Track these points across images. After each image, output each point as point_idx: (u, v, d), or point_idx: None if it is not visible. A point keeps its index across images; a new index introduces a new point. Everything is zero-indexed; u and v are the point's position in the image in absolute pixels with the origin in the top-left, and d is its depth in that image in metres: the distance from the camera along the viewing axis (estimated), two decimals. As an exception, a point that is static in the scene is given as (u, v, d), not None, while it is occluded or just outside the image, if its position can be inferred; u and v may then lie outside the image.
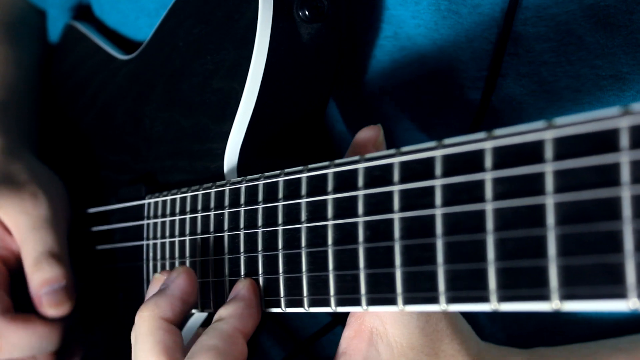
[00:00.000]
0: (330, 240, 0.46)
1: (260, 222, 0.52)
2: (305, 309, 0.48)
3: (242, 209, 0.54)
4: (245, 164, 0.59)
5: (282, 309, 0.50)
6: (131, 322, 0.54)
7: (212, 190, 0.57)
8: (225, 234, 0.55)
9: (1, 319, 0.69)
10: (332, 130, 0.71)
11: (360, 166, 0.44)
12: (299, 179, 0.49)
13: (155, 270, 0.65)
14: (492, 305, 0.36)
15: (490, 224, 0.36)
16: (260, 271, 0.52)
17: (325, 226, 0.46)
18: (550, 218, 0.34)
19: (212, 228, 0.57)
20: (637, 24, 0.55)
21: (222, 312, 0.52)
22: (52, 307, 0.71)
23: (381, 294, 0.42)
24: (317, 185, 0.48)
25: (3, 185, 0.74)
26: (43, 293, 0.71)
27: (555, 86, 0.59)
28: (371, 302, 0.43)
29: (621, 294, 0.31)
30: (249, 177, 0.54)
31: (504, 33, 0.58)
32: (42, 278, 0.71)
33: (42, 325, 0.71)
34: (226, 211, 0.55)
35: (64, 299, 0.72)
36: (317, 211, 0.47)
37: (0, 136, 0.80)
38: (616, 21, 0.56)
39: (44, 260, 0.72)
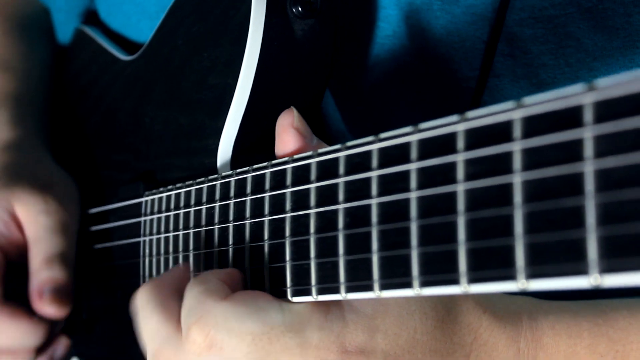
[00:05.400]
0: (312, 229, 0.46)
1: (248, 214, 0.52)
2: (289, 299, 0.48)
3: (231, 202, 0.54)
4: (239, 160, 0.59)
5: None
6: (129, 320, 0.54)
7: (205, 185, 0.58)
8: (216, 227, 0.56)
9: None
10: (330, 129, 0.71)
11: (341, 154, 0.44)
12: (285, 169, 0.49)
13: (151, 266, 0.65)
14: (462, 287, 0.36)
15: (461, 205, 0.36)
16: (247, 264, 0.52)
17: (308, 215, 0.46)
18: (518, 196, 0.33)
19: (203, 222, 0.57)
20: (635, 26, 0.55)
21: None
22: (53, 303, 0.71)
23: (359, 281, 0.42)
24: (302, 175, 0.48)
25: (28, 181, 0.75)
26: (47, 289, 0.71)
27: (554, 88, 0.59)
28: (349, 289, 0.43)
29: (583, 271, 0.30)
30: (238, 170, 0.54)
31: (495, 32, 0.58)
32: (51, 276, 0.72)
33: (29, 320, 0.71)
34: (217, 205, 0.56)
35: (66, 300, 0.72)
36: (300, 200, 0.47)
37: (15, 128, 0.81)
38: (614, 24, 0.56)
39: (56, 261, 0.73)
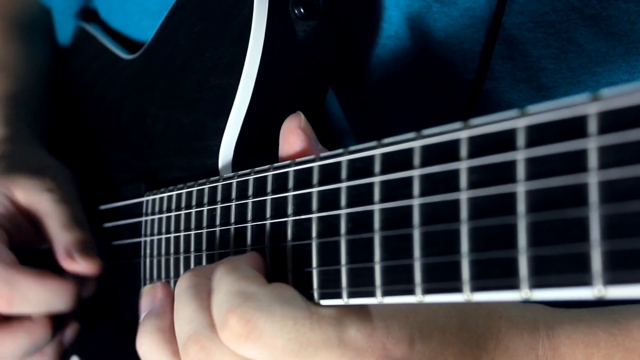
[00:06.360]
0: (314, 233, 0.46)
1: (249, 217, 0.52)
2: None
3: (233, 204, 0.54)
4: (241, 161, 0.59)
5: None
6: (130, 319, 0.54)
7: (206, 187, 0.57)
8: (217, 229, 0.55)
9: (11, 270, 0.67)
10: (333, 128, 0.71)
11: (344, 159, 0.44)
12: (287, 172, 0.49)
13: (152, 267, 0.65)
14: (465, 295, 0.36)
15: (464, 213, 0.36)
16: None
17: (310, 219, 0.46)
18: (521, 206, 0.33)
19: (205, 223, 0.57)
20: (638, 33, 0.55)
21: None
22: (85, 258, 0.70)
23: (361, 287, 0.42)
24: (304, 178, 0.48)
25: (23, 168, 0.76)
26: (74, 248, 0.71)
27: (555, 92, 0.59)
28: (352, 295, 0.43)
29: (587, 282, 0.30)
30: (240, 172, 0.54)
31: (492, 34, 0.58)
32: (74, 237, 0.72)
33: (57, 279, 0.69)
34: (218, 206, 0.55)
35: (96, 256, 0.72)
36: (302, 204, 0.47)
37: (9, 126, 0.81)
38: (618, 30, 0.56)
39: (74, 224, 0.73)
